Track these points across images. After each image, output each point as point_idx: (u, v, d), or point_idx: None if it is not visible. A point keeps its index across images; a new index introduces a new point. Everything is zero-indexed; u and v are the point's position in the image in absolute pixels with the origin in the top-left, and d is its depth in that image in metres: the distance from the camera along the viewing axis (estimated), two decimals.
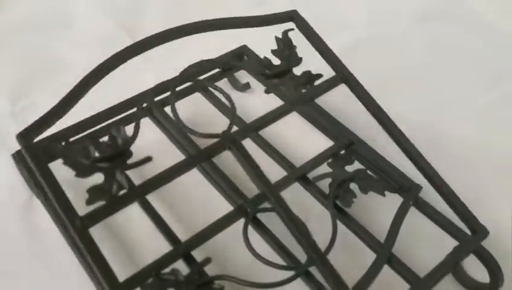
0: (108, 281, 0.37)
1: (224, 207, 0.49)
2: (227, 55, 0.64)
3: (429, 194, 0.53)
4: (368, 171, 0.52)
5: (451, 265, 0.46)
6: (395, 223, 0.48)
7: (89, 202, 0.38)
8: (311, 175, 0.52)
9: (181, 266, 0.44)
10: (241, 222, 0.48)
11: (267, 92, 0.49)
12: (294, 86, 0.49)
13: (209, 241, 0.47)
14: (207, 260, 0.44)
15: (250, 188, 0.49)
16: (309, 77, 0.50)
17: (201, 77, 0.62)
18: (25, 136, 0.37)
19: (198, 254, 0.46)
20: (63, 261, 0.49)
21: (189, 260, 0.45)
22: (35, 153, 0.41)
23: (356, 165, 0.53)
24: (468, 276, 0.50)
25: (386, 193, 0.51)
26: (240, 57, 0.66)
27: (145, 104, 0.57)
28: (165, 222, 0.48)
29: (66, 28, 0.78)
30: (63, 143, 0.44)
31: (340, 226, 0.49)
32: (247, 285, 0.43)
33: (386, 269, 0.46)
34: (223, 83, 0.67)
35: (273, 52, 0.51)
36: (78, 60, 0.70)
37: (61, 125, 0.50)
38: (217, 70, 0.63)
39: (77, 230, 0.37)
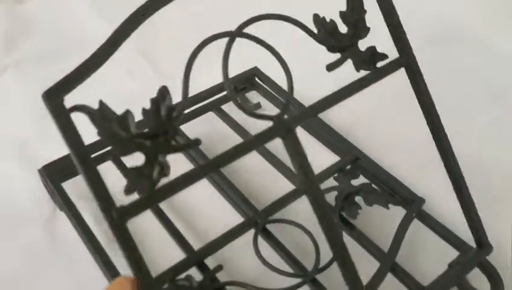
0: (143, 277, 0.32)
1: (236, 218, 0.52)
2: (239, 76, 0.68)
3: (433, 207, 0.55)
4: (373, 185, 0.55)
5: (457, 276, 0.48)
6: (399, 234, 0.50)
7: (128, 189, 0.31)
8: None
9: (194, 273, 0.47)
10: (251, 232, 0.50)
11: (329, 69, 0.41)
12: (356, 65, 0.42)
13: (221, 250, 0.49)
14: (219, 267, 0.47)
15: (259, 200, 0.52)
16: (373, 55, 0.43)
17: (215, 97, 0.66)
18: (50, 95, 0.29)
19: (210, 262, 0.48)
20: (85, 270, 0.52)
21: (202, 268, 0.47)
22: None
23: (361, 179, 0.56)
24: (472, 287, 0.51)
25: (390, 205, 0.53)
26: (252, 79, 0.69)
27: None
28: (179, 231, 0.51)
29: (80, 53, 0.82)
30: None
31: (346, 237, 0.51)
32: None
33: (391, 278, 0.48)
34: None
35: (342, 15, 0.42)
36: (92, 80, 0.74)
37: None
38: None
39: (113, 223, 0.32)
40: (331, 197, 0.54)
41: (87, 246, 0.52)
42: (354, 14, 0.41)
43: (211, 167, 0.36)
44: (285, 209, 0.53)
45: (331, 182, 0.55)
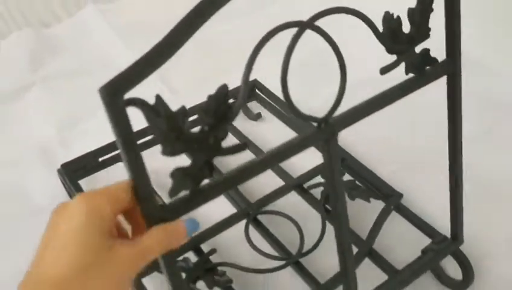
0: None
1: (230, 209, 0.58)
2: (240, 88, 0.74)
3: (411, 202, 0.60)
4: (356, 182, 0.60)
5: (430, 262, 0.52)
6: (377, 223, 0.55)
7: (173, 191, 0.31)
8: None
9: (191, 256, 0.53)
10: (244, 222, 0.56)
11: (383, 72, 0.39)
12: (407, 68, 0.40)
13: (215, 238, 0.55)
14: (212, 251, 0.53)
15: (252, 194, 0.58)
16: (424, 59, 0.41)
17: None
18: (109, 90, 0.26)
19: (205, 248, 0.54)
20: None
21: (198, 251, 0.53)
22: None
23: (346, 177, 0.61)
24: (445, 274, 0.56)
25: (371, 199, 0.58)
26: (252, 90, 0.76)
27: None
28: None
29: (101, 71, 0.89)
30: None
31: (330, 227, 0.56)
32: (245, 271, 0.52)
33: (368, 262, 0.53)
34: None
35: (410, 11, 0.39)
36: None
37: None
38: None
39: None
40: (318, 193, 0.59)
41: None
42: (422, 12, 0.39)
43: (258, 167, 0.35)
44: (275, 203, 0.59)
45: (318, 179, 0.61)
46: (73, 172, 0.62)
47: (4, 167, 0.71)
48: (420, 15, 0.39)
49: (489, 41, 0.86)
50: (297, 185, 0.60)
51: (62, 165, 0.62)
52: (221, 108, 0.31)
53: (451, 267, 0.55)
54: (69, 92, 0.85)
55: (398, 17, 0.38)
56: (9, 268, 0.50)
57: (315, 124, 0.36)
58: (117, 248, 0.29)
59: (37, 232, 0.31)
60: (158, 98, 0.28)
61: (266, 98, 0.75)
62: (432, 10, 0.39)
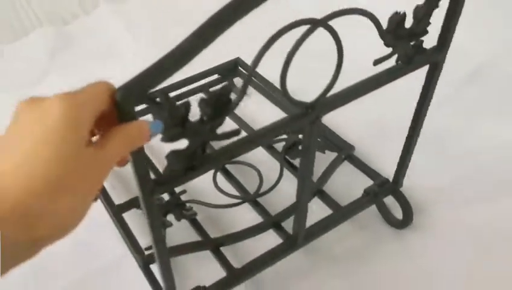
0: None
1: None
2: (223, 65, 0.83)
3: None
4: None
5: (371, 201, 0.59)
6: (328, 169, 0.63)
7: (167, 171, 0.34)
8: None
9: (164, 196, 0.62)
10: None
11: (376, 63, 0.40)
12: (398, 59, 0.42)
13: (188, 187, 0.63)
14: (183, 191, 0.62)
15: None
16: (416, 50, 0.42)
17: (203, 82, 0.81)
18: (126, 90, 0.27)
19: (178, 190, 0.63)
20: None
21: (171, 193, 0.62)
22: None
23: None
24: (391, 214, 0.63)
25: (326, 151, 0.66)
26: (235, 67, 0.85)
27: None
28: (155, 165, 0.66)
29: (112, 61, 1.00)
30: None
31: (288, 173, 0.65)
32: (207, 206, 0.60)
33: (318, 201, 0.61)
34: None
35: (417, 9, 0.40)
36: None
37: None
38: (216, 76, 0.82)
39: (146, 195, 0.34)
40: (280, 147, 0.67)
41: (103, 204, 0.63)
42: (428, 9, 0.40)
43: (243, 147, 0.38)
44: (244, 155, 0.67)
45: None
46: None
47: None
48: (425, 12, 0.40)
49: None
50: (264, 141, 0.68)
51: None
52: (222, 101, 0.33)
53: (399, 213, 0.62)
54: (79, 77, 0.96)
55: (404, 14, 0.39)
56: None
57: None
58: (91, 152, 0.27)
59: None
60: (163, 94, 0.31)
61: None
62: (437, 7, 0.40)
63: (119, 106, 0.29)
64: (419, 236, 0.62)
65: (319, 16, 0.35)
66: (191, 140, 0.33)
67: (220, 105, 0.33)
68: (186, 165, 0.34)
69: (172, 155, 0.33)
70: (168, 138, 0.32)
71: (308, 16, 0.35)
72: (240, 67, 0.85)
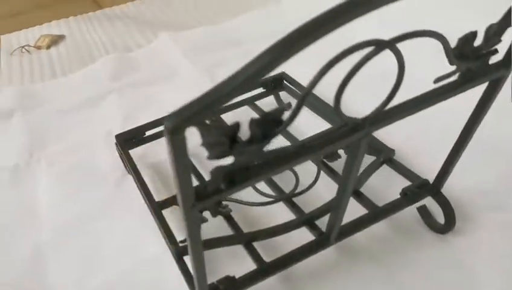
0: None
1: None
2: (268, 79, 0.85)
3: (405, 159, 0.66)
4: None
5: (408, 202, 0.58)
6: (366, 171, 0.62)
7: (211, 186, 0.33)
8: None
9: None
10: None
11: (436, 81, 0.38)
12: (460, 76, 0.40)
13: None
14: None
15: None
16: (481, 68, 0.40)
17: (250, 94, 0.84)
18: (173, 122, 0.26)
19: None
20: (141, 218, 0.68)
21: None
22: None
23: None
24: (433, 218, 0.60)
25: (366, 155, 0.65)
26: (280, 81, 0.86)
27: None
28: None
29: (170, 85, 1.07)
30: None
31: (325, 176, 0.64)
32: (243, 203, 0.61)
33: (354, 202, 0.60)
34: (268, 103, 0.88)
35: (489, 27, 0.38)
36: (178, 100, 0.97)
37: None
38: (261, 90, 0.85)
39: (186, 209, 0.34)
40: None
41: (144, 200, 0.66)
42: (501, 28, 0.38)
43: (287, 165, 0.36)
44: None
45: None
46: (125, 141, 0.76)
47: (81, 147, 0.88)
48: (497, 31, 0.38)
49: None
50: None
51: (116, 136, 0.77)
52: (273, 123, 0.33)
53: (441, 218, 0.60)
54: (138, 97, 1.03)
55: (475, 33, 0.37)
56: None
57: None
58: None
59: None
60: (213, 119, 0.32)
61: (296, 90, 0.85)
62: (510, 26, 0.38)
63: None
64: (464, 242, 0.59)
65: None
66: (237, 159, 0.33)
67: (270, 126, 0.32)
68: (230, 181, 0.34)
69: (217, 172, 0.33)
70: (215, 156, 0.31)
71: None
72: (285, 81, 0.87)
